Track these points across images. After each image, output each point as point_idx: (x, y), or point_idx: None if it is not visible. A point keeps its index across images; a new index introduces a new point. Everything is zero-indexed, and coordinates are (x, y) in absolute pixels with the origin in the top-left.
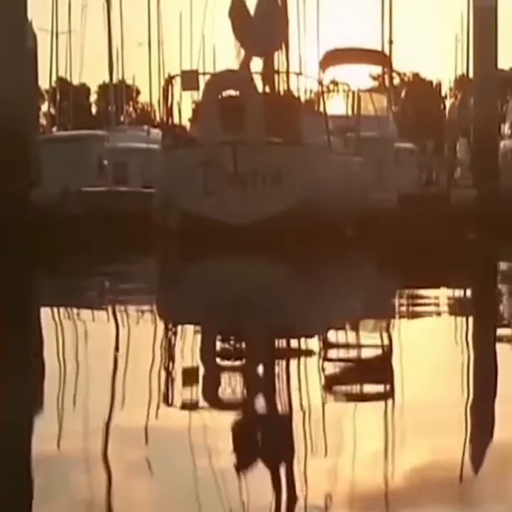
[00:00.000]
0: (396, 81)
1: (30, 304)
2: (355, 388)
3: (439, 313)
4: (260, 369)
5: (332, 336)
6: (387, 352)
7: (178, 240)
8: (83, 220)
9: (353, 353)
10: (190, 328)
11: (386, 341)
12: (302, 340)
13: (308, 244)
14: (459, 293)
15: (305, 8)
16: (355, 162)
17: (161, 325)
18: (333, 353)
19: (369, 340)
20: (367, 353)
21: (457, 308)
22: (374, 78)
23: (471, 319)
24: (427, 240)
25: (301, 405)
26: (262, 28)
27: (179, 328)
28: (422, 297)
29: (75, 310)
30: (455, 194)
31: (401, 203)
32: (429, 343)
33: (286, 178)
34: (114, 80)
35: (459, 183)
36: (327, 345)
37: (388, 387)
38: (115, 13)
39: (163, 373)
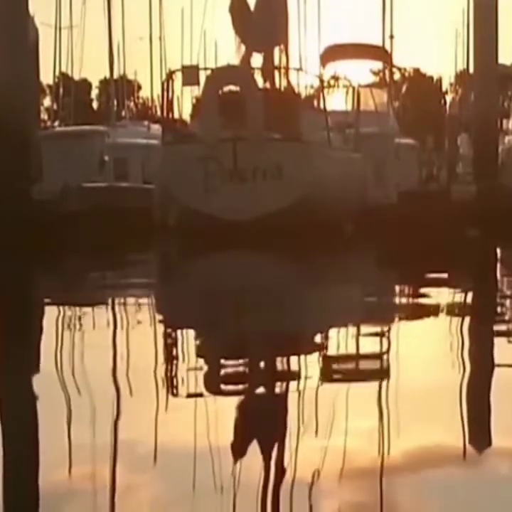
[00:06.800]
0: (396, 76)
1: (30, 298)
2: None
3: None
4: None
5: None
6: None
7: (177, 236)
8: (83, 215)
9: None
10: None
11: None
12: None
13: (307, 240)
14: (458, 289)
15: (305, 3)
16: (355, 158)
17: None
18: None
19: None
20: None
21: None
22: (374, 73)
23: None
24: (427, 237)
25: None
26: (262, 24)
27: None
28: (420, 294)
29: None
30: (456, 190)
31: (401, 199)
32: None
33: (286, 174)
34: (116, 75)
35: (460, 179)
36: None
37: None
38: (116, 7)
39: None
